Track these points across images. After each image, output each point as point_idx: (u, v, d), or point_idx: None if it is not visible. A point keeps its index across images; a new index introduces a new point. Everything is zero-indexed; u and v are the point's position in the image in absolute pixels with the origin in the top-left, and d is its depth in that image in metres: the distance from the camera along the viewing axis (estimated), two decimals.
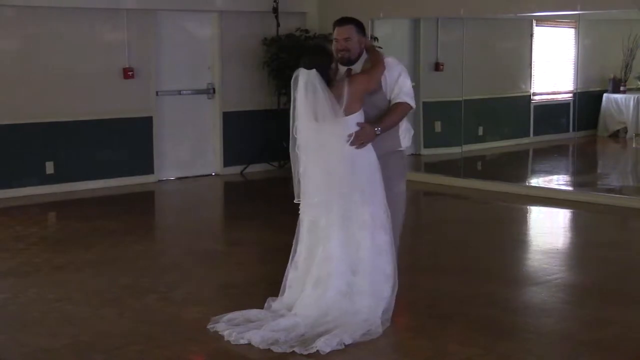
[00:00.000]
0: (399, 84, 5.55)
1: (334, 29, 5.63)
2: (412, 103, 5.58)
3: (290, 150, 5.45)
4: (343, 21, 5.60)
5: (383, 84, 5.54)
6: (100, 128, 10.82)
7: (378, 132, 5.39)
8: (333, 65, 5.41)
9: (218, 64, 11.81)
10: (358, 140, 5.33)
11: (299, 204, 5.49)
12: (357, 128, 5.34)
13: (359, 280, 5.32)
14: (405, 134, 5.69)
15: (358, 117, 5.38)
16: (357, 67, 5.58)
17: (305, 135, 5.36)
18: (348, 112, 5.32)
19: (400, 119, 5.60)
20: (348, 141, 5.31)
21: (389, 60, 5.58)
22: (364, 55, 5.60)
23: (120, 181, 10.96)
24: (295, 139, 5.40)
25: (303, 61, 5.33)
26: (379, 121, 5.45)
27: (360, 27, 5.60)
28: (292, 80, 5.35)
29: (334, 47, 5.57)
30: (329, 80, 5.32)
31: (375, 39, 11.56)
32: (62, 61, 10.50)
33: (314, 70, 5.26)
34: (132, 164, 11.10)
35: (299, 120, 5.36)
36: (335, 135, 5.33)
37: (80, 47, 10.63)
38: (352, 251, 5.35)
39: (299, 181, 5.45)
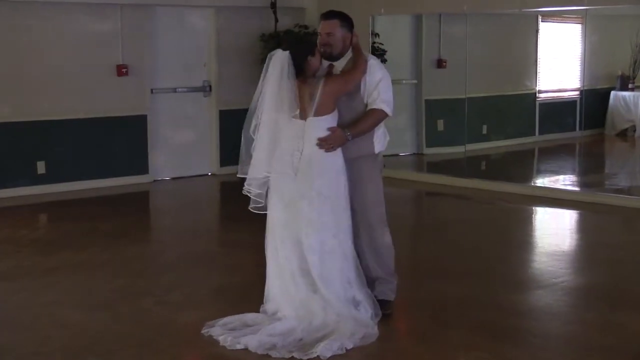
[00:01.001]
0: (378, 89, 5.47)
1: (320, 22, 5.63)
2: (389, 110, 5.49)
3: (243, 131, 5.48)
4: (328, 15, 5.58)
5: (362, 86, 5.49)
6: (93, 127, 10.82)
7: (349, 138, 5.39)
8: (311, 58, 5.35)
9: (214, 60, 11.81)
10: (327, 144, 5.33)
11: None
12: (326, 131, 5.33)
13: (317, 283, 5.32)
14: (380, 139, 5.64)
15: (330, 119, 5.36)
16: (340, 64, 5.55)
17: (267, 123, 5.36)
18: (319, 113, 5.31)
19: (374, 126, 5.53)
20: (317, 144, 5.31)
21: (372, 63, 5.52)
22: (349, 54, 5.56)
23: (114, 181, 10.96)
24: (251, 120, 5.43)
25: (283, 46, 5.38)
26: (351, 126, 5.43)
27: (346, 22, 5.55)
28: (267, 59, 5.35)
29: (318, 40, 5.57)
30: (302, 71, 5.32)
31: (377, 35, 11.57)
32: (53, 58, 10.51)
33: (287, 52, 5.28)
34: (126, 163, 11.10)
35: (265, 106, 5.34)
36: (298, 134, 5.34)
37: (73, 43, 10.63)
38: (301, 254, 5.35)
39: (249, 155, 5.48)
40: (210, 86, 11.87)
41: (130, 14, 10.98)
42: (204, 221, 9.40)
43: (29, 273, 6.98)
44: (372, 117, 5.48)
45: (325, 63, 5.57)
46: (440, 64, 12.51)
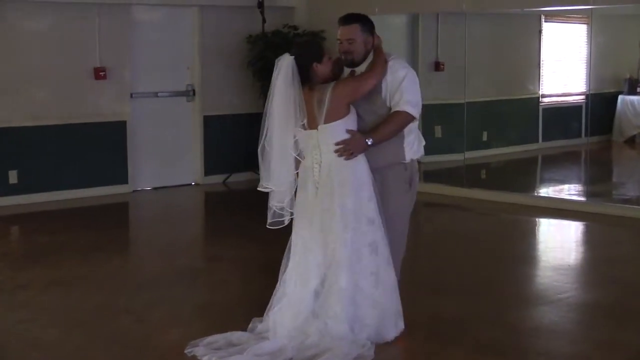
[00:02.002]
0: (400, 89, 5.36)
1: (339, 27, 5.56)
2: (414, 112, 5.39)
3: (259, 147, 5.40)
4: (347, 19, 5.50)
5: (383, 88, 5.40)
6: (69, 133, 10.80)
7: (369, 144, 5.31)
8: (318, 65, 5.31)
9: (198, 63, 11.82)
10: (346, 149, 5.28)
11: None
12: (343, 135, 5.29)
13: (330, 303, 5.29)
14: (412, 145, 5.54)
15: (342, 125, 5.29)
16: (360, 69, 5.49)
17: (279, 134, 5.35)
18: (329, 119, 5.26)
19: (398, 130, 5.42)
20: (335, 150, 5.28)
21: (393, 63, 5.43)
22: (371, 57, 5.50)
23: (91, 192, 10.94)
24: (265, 131, 5.38)
25: (292, 50, 5.36)
26: (372, 131, 5.35)
27: (366, 25, 5.49)
28: (275, 65, 5.32)
29: (338, 48, 5.53)
30: (309, 79, 5.29)
31: None
32: (25, 60, 10.49)
33: (292, 58, 5.26)
34: (104, 172, 11.08)
35: (275, 115, 5.33)
36: (314, 145, 5.33)
37: (47, 44, 10.62)
38: (326, 272, 5.33)
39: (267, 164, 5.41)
40: (193, 90, 11.86)
41: (108, 13, 10.97)
42: (187, 234, 9.39)
43: (0, 289, 6.95)
44: (395, 121, 5.38)
45: (347, 70, 5.53)
46: (437, 66, 12.52)
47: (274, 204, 5.45)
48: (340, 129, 5.29)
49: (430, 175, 12.29)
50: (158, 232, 9.41)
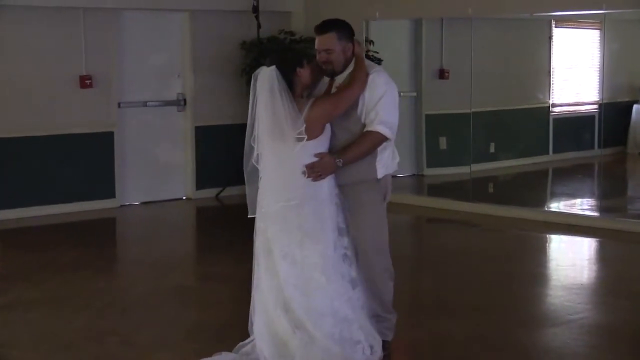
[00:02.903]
0: (377, 107, 5.35)
1: (316, 36, 5.54)
2: (388, 133, 5.37)
3: (244, 165, 5.39)
4: (322, 28, 5.48)
5: (360, 104, 5.40)
6: (53, 145, 10.80)
7: (339, 165, 5.32)
8: (300, 70, 5.29)
9: (190, 71, 11.82)
10: (314, 172, 5.27)
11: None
12: (313, 157, 5.28)
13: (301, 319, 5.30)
14: (385, 162, 5.54)
15: (317, 145, 5.29)
16: (341, 78, 5.49)
17: (269, 152, 5.33)
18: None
19: (369, 151, 5.42)
20: (303, 172, 5.26)
21: (374, 78, 5.41)
22: (352, 65, 5.49)
23: (76, 206, 10.93)
24: (252, 150, 5.36)
25: (267, 60, 5.34)
26: (342, 151, 5.36)
27: (343, 32, 5.47)
28: (252, 80, 5.32)
29: (317, 58, 5.52)
30: (292, 87, 5.25)
31: (371, 42, 11.59)
32: (6, 68, 10.49)
33: (273, 68, 5.23)
34: (90, 186, 11.07)
35: (261, 131, 5.31)
36: (288, 160, 5.32)
37: (29, 51, 10.62)
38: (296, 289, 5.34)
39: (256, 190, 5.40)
40: (184, 100, 11.87)
41: (95, 19, 10.98)
42: (178, 252, 9.37)
43: None
44: (367, 141, 5.39)
45: (326, 78, 5.54)
46: (442, 74, 12.55)
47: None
48: (313, 150, 5.28)
49: (434, 189, 12.31)
50: (147, 250, 9.39)
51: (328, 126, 5.35)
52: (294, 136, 5.20)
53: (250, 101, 5.32)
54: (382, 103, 5.37)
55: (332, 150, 5.38)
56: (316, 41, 5.50)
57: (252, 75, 5.35)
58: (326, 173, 5.32)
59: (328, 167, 5.31)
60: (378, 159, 5.51)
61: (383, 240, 5.63)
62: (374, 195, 5.55)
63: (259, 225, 5.45)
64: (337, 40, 5.44)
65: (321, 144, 5.32)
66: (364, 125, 5.42)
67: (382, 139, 5.40)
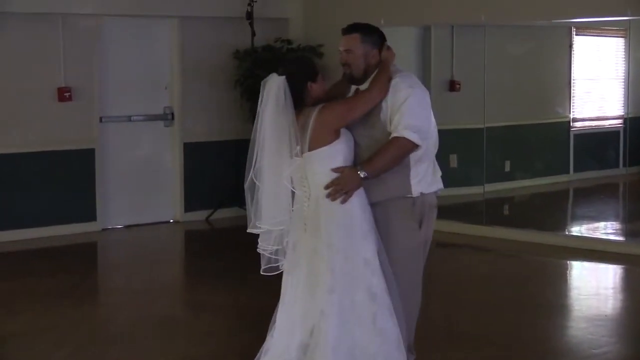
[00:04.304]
0: (401, 111, 5.26)
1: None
2: (415, 138, 5.26)
3: (245, 180, 5.38)
4: (347, 29, 5.51)
5: (384, 110, 5.36)
6: (28, 163, 10.82)
7: (363, 176, 5.24)
8: (312, 84, 5.32)
9: (178, 82, 11.86)
10: (338, 190, 5.22)
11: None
12: (331, 163, 5.25)
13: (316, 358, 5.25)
14: (421, 175, 5.45)
15: (328, 152, 5.27)
16: (364, 87, 5.47)
17: (270, 166, 5.33)
18: (313, 145, 5.25)
19: (396, 160, 5.32)
20: (327, 195, 5.22)
21: (398, 81, 5.38)
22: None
23: (54, 230, 10.94)
24: (253, 164, 5.36)
25: (280, 67, 5.36)
26: (366, 161, 5.29)
27: (369, 36, 5.49)
28: (261, 87, 5.32)
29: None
30: (302, 100, 5.29)
31: None
32: None
33: (282, 78, 5.25)
34: (69, 208, 11.09)
35: (265, 146, 5.33)
36: (302, 176, 5.33)
37: (2, 61, 10.65)
38: (308, 319, 5.33)
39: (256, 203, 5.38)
40: (172, 114, 11.90)
41: (75, 25, 11.03)
42: (164, 279, 9.39)
43: None
44: (392, 149, 5.28)
45: (354, 88, 5.54)
46: (452, 86, 12.57)
47: (264, 247, 5.41)
48: (326, 157, 5.26)
49: (444, 211, 12.17)
50: (131, 277, 9.39)
51: (348, 135, 5.32)
52: (294, 153, 5.21)
53: (258, 110, 5.33)
54: (407, 106, 5.29)
55: (357, 162, 5.33)
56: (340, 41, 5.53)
57: (262, 82, 5.35)
58: (352, 188, 5.23)
59: (352, 181, 5.23)
60: (413, 172, 5.42)
61: (417, 271, 5.56)
62: (407, 218, 5.45)
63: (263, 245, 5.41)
64: (359, 43, 5.45)
65: (338, 150, 5.28)
66: (389, 134, 5.33)
67: (410, 145, 5.28)
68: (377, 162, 5.26)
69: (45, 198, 10.92)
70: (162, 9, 11.60)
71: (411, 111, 5.30)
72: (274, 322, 5.49)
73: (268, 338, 5.51)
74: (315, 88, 5.33)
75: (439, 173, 5.62)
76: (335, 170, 5.24)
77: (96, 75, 11.24)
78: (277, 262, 5.40)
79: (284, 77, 5.23)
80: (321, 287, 5.25)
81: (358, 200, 5.29)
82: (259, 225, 5.35)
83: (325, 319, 5.22)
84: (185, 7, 11.73)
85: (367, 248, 5.27)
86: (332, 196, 5.22)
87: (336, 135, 5.26)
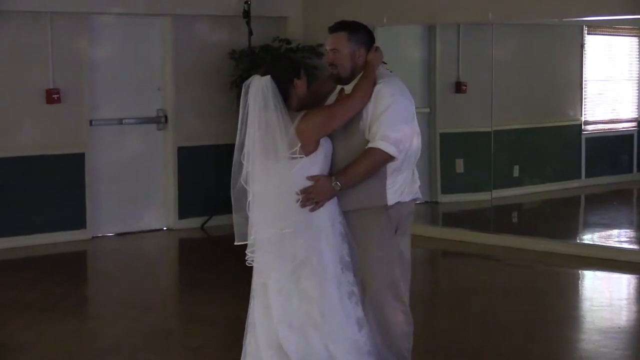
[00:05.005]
0: (380, 121, 5.25)
1: None
2: (391, 150, 5.26)
3: (231, 185, 5.35)
4: (334, 27, 5.50)
5: (364, 117, 5.33)
6: (15, 168, 10.81)
7: (337, 187, 5.24)
8: (298, 81, 5.29)
9: (171, 84, 11.84)
10: (308, 199, 5.22)
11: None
12: (304, 179, 5.23)
13: None
14: (397, 185, 5.44)
15: (311, 163, 5.24)
16: (350, 88, 5.46)
17: (261, 171, 5.31)
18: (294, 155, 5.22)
19: (370, 172, 5.31)
20: (298, 200, 5.21)
21: (381, 88, 5.36)
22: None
23: (42, 238, 10.92)
24: (241, 168, 5.32)
25: (261, 68, 5.33)
26: (340, 172, 5.29)
27: (356, 35, 5.49)
28: (242, 91, 5.30)
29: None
30: (289, 99, 5.24)
31: None
32: None
33: (267, 77, 5.23)
34: (58, 215, 11.07)
35: (251, 148, 5.30)
36: (279, 181, 5.29)
37: None
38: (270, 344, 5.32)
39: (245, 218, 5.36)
40: (165, 117, 11.89)
41: (64, 25, 11.00)
42: (157, 290, 9.37)
43: None
44: (366, 161, 5.29)
45: (339, 87, 5.53)
46: (459, 88, 12.58)
47: (252, 258, 5.42)
48: (303, 168, 5.24)
49: (450, 218, 12.31)
50: (122, 288, 9.38)
51: (327, 144, 5.31)
52: (288, 155, 5.18)
53: (240, 114, 5.31)
54: (386, 116, 5.27)
55: (333, 171, 5.33)
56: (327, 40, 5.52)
57: (243, 84, 5.33)
58: (324, 198, 5.25)
59: (324, 190, 5.24)
60: (390, 182, 5.41)
61: (393, 279, 5.52)
62: (382, 225, 5.44)
63: (251, 255, 5.42)
64: (346, 42, 5.44)
65: (315, 163, 5.26)
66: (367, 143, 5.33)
67: (385, 157, 5.29)
68: (351, 174, 5.28)
69: (32, 205, 10.89)
70: (155, 7, 11.58)
71: (390, 122, 5.28)
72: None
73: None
74: (300, 84, 5.31)
75: (418, 183, 5.63)
76: (310, 178, 5.23)
77: (86, 77, 11.22)
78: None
79: (269, 76, 5.21)
80: (286, 302, 5.26)
81: (328, 213, 5.29)
82: (243, 238, 5.38)
83: (289, 330, 5.25)
84: (179, 5, 11.71)
85: (335, 260, 5.28)
86: (302, 203, 5.21)
87: (315, 146, 5.24)
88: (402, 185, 5.47)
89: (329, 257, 5.28)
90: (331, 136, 5.34)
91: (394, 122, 5.30)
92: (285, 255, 5.25)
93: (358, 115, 5.33)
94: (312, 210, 5.22)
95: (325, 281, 5.27)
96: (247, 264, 5.39)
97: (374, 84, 5.36)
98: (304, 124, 5.18)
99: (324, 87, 5.68)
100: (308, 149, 5.21)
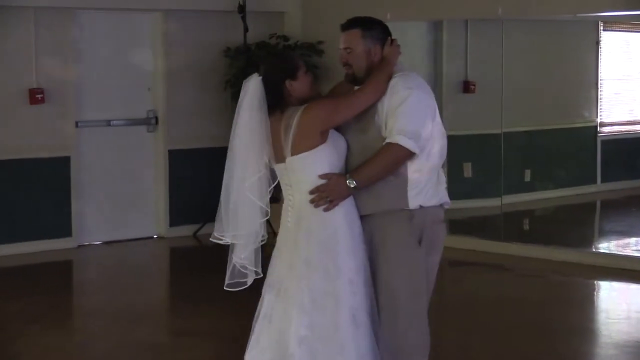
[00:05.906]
0: (396, 114, 5.15)
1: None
2: (410, 145, 5.14)
3: (225, 178, 5.34)
4: (346, 24, 5.43)
5: (379, 112, 5.26)
6: None
7: (352, 186, 5.17)
8: (292, 82, 5.25)
9: (162, 83, 11.85)
10: (322, 197, 5.18)
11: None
12: (317, 169, 5.20)
13: None
14: (420, 187, 5.30)
15: (317, 155, 5.20)
16: None
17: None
18: (295, 150, 5.18)
19: (388, 169, 5.22)
20: (310, 200, 5.18)
21: (398, 81, 5.27)
22: None
23: (26, 247, 10.92)
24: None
25: (261, 68, 5.35)
26: (356, 169, 5.23)
27: (371, 31, 5.41)
28: (242, 90, 5.34)
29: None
30: (282, 100, 5.25)
31: None
32: None
33: (259, 79, 5.24)
34: (42, 223, 11.07)
35: (237, 153, 5.33)
36: (286, 182, 5.31)
37: None
38: (281, 347, 5.28)
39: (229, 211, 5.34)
40: (156, 118, 11.90)
41: (48, 21, 11.01)
42: (146, 302, 9.38)
43: None
44: (384, 157, 5.18)
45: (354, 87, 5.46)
46: (467, 87, 12.57)
47: (237, 258, 5.40)
48: (310, 163, 5.20)
49: (457, 225, 12.29)
50: (109, 299, 9.39)
51: (338, 139, 5.27)
52: (260, 161, 5.22)
53: (236, 113, 5.33)
54: (403, 109, 5.17)
55: (348, 169, 5.26)
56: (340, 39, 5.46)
57: (243, 82, 5.34)
58: (338, 198, 5.17)
59: (339, 189, 5.16)
60: (410, 183, 5.29)
61: (415, 299, 5.41)
62: (404, 232, 5.30)
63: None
64: (360, 39, 5.36)
65: (323, 158, 5.22)
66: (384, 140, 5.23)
67: (404, 153, 5.17)
68: (367, 171, 5.20)
69: (15, 211, 10.91)
70: (144, 2, 11.61)
71: (407, 115, 5.19)
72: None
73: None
74: (297, 86, 5.26)
75: (444, 185, 5.47)
76: (322, 176, 5.18)
77: (72, 76, 11.23)
78: (244, 277, 5.37)
79: (259, 79, 5.23)
80: (296, 309, 5.19)
81: (344, 213, 5.23)
82: (218, 236, 5.37)
83: (298, 344, 5.17)
84: (170, 0, 11.72)
85: (351, 266, 5.20)
86: (315, 202, 5.17)
87: (321, 138, 5.18)
88: (425, 187, 5.33)
89: (345, 262, 5.21)
90: (344, 133, 5.29)
91: (412, 115, 5.21)
92: (299, 257, 5.22)
93: (372, 110, 5.25)
94: (326, 210, 5.16)
95: (339, 289, 5.23)
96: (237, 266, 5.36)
97: (390, 77, 5.28)
98: (307, 115, 5.15)
99: (341, 90, 5.57)
100: (310, 141, 5.17)
